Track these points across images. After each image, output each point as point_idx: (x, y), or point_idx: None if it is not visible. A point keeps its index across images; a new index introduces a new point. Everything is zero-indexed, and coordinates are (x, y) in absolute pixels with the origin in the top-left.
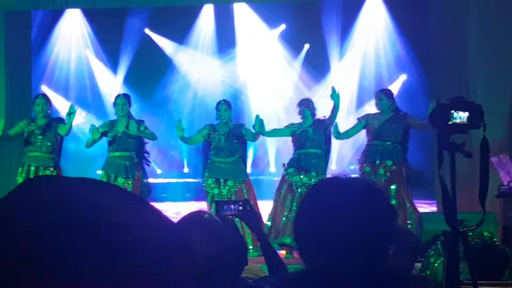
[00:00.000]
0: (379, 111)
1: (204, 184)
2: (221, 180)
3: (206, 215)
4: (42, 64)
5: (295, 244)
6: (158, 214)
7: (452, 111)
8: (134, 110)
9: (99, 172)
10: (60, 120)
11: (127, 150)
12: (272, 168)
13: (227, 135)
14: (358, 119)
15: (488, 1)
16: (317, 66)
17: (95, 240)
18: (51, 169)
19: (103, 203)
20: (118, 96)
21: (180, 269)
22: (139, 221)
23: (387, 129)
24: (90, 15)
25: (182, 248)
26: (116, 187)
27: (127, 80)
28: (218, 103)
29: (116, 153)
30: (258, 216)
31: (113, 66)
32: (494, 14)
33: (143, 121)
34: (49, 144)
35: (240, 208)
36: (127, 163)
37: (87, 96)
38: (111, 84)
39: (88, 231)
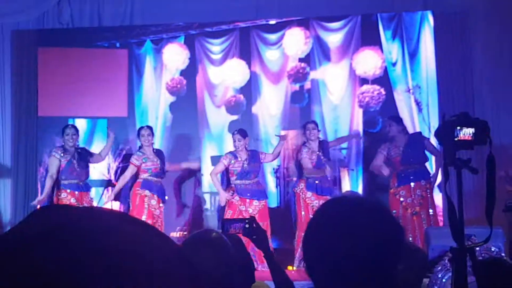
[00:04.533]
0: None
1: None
2: (247, 200)
3: (213, 234)
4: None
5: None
6: (164, 238)
7: (458, 128)
8: None
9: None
10: (85, 150)
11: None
12: None
13: (248, 160)
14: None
15: (492, 13)
16: None
17: (102, 265)
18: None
19: (109, 229)
20: (142, 128)
21: None
22: (145, 246)
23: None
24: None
25: (187, 272)
26: (120, 213)
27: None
28: (233, 133)
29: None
30: (264, 233)
31: None
32: (499, 27)
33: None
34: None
35: (247, 226)
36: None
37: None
38: None
39: (95, 256)
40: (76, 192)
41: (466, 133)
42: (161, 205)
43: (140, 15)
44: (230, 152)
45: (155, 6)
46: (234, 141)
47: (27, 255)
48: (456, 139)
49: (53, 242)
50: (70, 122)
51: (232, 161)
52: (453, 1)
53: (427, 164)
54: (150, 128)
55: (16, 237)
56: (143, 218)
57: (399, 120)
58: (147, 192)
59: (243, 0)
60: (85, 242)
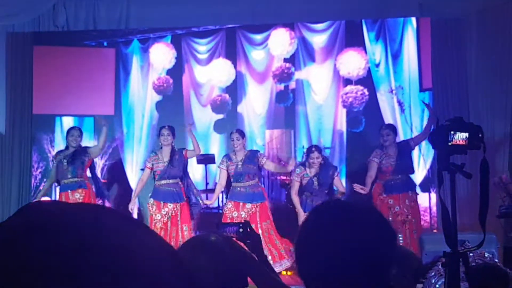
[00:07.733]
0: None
1: (224, 209)
2: (240, 203)
3: (212, 238)
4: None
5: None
6: (158, 238)
7: (452, 132)
8: None
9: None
10: (85, 148)
11: (173, 178)
12: None
13: (243, 161)
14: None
15: (487, 20)
16: None
17: (94, 263)
18: (79, 190)
19: (102, 226)
20: (163, 127)
21: None
22: (138, 245)
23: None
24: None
25: (181, 273)
26: (115, 212)
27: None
28: (231, 133)
29: (163, 181)
30: (258, 238)
31: None
32: (494, 33)
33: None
34: (75, 170)
35: (241, 230)
36: (175, 189)
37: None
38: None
39: (87, 254)
40: (69, 191)
41: (460, 137)
42: None
43: (134, 20)
44: (225, 155)
45: (150, 12)
46: (232, 140)
47: (11, 249)
48: (450, 143)
49: (42, 239)
50: (58, 120)
51: (227, 163)
52: (448, 8)
53: (412, 175)
54: (171, 128)
55: (3, 233)
56: None
57: (395, 129)
58: None
59: (233, 5)
60: (76, 240)
